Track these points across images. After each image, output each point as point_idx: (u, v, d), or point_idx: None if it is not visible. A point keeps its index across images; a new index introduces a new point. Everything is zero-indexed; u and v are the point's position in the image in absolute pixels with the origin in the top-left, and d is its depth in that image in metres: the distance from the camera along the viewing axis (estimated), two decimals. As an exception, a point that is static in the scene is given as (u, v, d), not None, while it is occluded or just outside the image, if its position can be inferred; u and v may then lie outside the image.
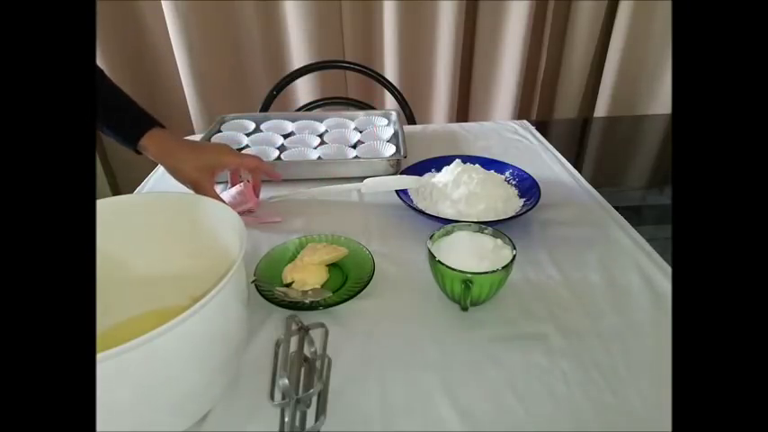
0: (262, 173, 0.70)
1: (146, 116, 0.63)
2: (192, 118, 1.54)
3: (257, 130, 0.94)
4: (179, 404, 0.37)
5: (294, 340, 0.42)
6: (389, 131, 0.91)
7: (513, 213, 0.66)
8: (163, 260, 0.47)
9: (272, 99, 1.19)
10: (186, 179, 0.63)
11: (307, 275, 0.54)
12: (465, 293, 0.48)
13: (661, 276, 0.56)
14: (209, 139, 0.87)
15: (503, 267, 0.48)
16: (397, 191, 0.70)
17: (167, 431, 0.37)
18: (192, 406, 0.39)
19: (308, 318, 0.47)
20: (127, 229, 0.46)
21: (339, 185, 0.73)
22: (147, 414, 0.35)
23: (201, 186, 0.62)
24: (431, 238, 0.53)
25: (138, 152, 0.63)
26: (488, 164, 0.76)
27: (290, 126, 0.94)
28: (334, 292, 0.53)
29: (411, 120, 1.20)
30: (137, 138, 0.61)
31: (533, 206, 0.65)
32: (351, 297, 0.52)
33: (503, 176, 0.74)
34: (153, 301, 0.47)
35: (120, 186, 1.61)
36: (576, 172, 0.82)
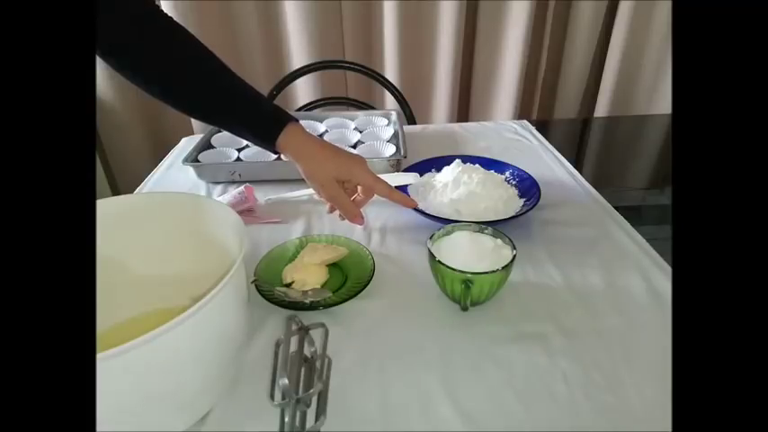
0: (392, 200, 0.62)
1: (280, 111, 0.58)
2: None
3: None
4: (179, 404, 0.37)
5: (294, 340, 0.42)
6: (389, 131, 0.91)
7: (513, 213, 0.66)
8: (163, 260, 0.47)
9: (272, 99, 1.19)
10: (320, 185, 0.59)
11: (307, 275, 0.54)
12: (465, 293, 0.48)
13: (661, 276, 0.56)
14: (209, 140, 0.87)
15: (503, 267, 0.48)
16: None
17: (167, 431, 0.37)
18: (192, 405, 0.39)
19: (308, 318, 0.47)
20: (127, 230, 0.46)
21: (339, 185, 0.73)
22: (148, 414, 0.35)
23: (335, 195, 0.59)
24: (431, 238, 0.53)
25: (275, 152, 0.59)
26: (488, 164, 0.75)
27: (290, 126, 0.94)
28: (334, 292, 0.53)
29: (411, 120, 1.20)
30: (275, 136, 0.57)
31: (533, 206, 0.65)
32: (351, 297, 0.52)
33: (503, 176, 0.74)
34: (153, 302, 0.47)
35: (120, 186, 1.61)
36: (576, 172, 0.82)
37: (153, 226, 0.47)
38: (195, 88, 0.55)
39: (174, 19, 0.55)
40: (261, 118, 0.57)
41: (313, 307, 0.51)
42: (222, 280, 0.34)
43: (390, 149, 0.84)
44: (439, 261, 0.49)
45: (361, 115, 0.99)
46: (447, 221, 0.61)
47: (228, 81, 0.56)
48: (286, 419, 0.37)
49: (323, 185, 0.59)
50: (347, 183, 0.60)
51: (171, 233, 0.47)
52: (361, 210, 0.61)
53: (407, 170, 0.76)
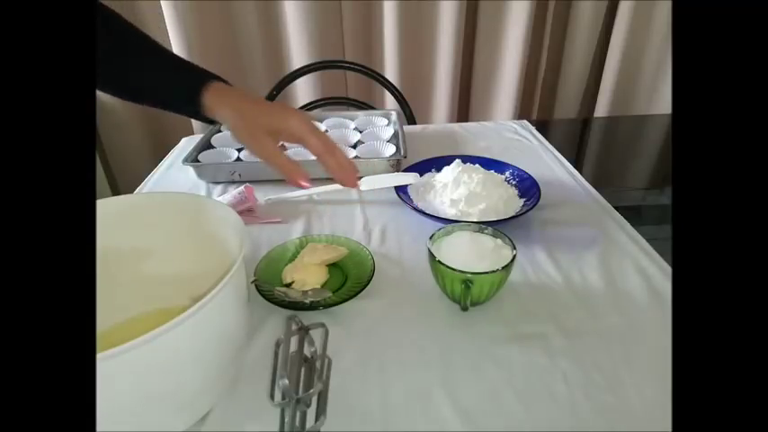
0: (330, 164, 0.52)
1: (204, 70, 0.53)
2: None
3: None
4: (179, 404, 0.37)
5: (294, 340, 0.42)
6: (389, 131, 0.91)
7: (513, 213, 0.66)
8: (163, 260, 0.47)
9: (273, 99, 1.19)
10: (252, 140, 0.50)
11: (307, 275, 0.54)
12: (465, 293, 0.48)
13: (661, 276, 0.56)
14: (209, 140, 0.87)
15: (503, 267, 0.48)
16: (397, 191, 0.70)
17: (167, 431, 0.37)
18: (192, 405, 0.39)
19: (308, 318, 0.47)
20: (127, 230, 0.46)
21: (338, 185, 0.73)
22: (148, 414, 0.35)
23: (262, 146, 0.49)
24: (431, 238, 0.53)
25: (198, 113, 0.52)
26: (488, 164, 0.75)
27: (290, 126, 0.94)
28: (334, 292, 0.53)
29: (411, 120, 1.20)
30: (199, 91, 0.51)
31: (533, 206, 0.65)
32: (351, 297, 0.52)
33: (503, 176, 0.74)
34: (153, 302, 0.47)
35: (120, 186, 1.61)
36: (576, 172, 0.82)
37: (153, 226, 0.47)
38: (118, 61, 0.52)
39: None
40: (183, 75, 0.53)
41: (313, 307, 0.51)
42: (222, 280, 0.34)
43: (390, 149, 0.84)
44: (439, 261, 0.49)
45: (361, 115, 0.99)
46: (447, 221, 0.61)
47: (147, 45, 0.53)
48: (286, 419, 0.37)
49: (255, 140, 0.50)
50: (281, 136, 0.51)
51: (171, 233, 0.47)
52: (361, 209, 0.61)
53: (407, 170, 0.76)
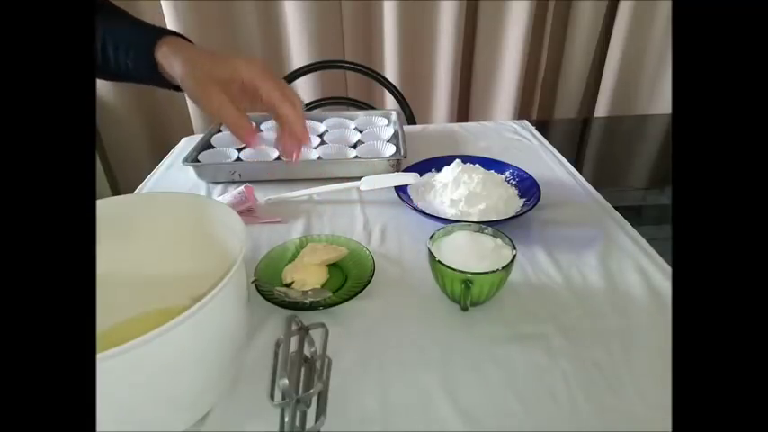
0: (285, 122, 0.48)
1: (161, 28, 0.51)
2: (192, 118, 1.54)
3: (257, 130, 0.94)
4: (179, 404, 0.37)
5: (294, 340, 0.42)
6: (389, 131, 0.91)
7: (513, 213, 0.66)
8: (162, 260, 0.47)
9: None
10: (200, 90, 0.46)
11: (307, 275, 0.54)
12: (465, 293, 0.48)
13: (661, 276, 0.56)
14: (209, 140, 0.87)
15: (503, 267, 0.48)
16: (397, 191, 0.70)
17: (167, 431, 0.37)
18: (192, 405, 0.39)
19: (308, 318, 0.47)
20: (127, 229, 0.46)
21: (338, 185, 0.73)
22: (148, 413, 0.35)
23: (209, 95, 0.45)
24: (431, 238, 0.53)
25: (154, 72, 0.49)
26: (488, 164, 0.76)
27: (290, 126, 0.94)
28: (334, 292, 0.53)
29: (411, 120, 1.20)
30: (153, 46, 0.48)
31: (533, 206, 0.65)
32: (351, 297, 0.52)
33: (503, 176, 0.74)
34: (152, 302, 0.47)
35: (120, 186, 1.61)
36: (576, 172, 0.82)
37: (153, 226, 0.47)
38: None
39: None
40: (139, 32, 0.50)
41: (313, 307, 0.51)
42: (222, 280, 0.34)
43: (390, 149, 0.84)
44: (439, 261, 0.49)
45: (361, 115, 0.99)
46: (447, 221, 0.61)
47: (105, 8, 0.52)
48: (286, 419, 0.37)
49: (204, 89, 0.46)
50: (233, 86, 0.47)
51: (171, 233, 0.47)
52: (361, 209, 0.60)
53: (407, 170, 0.76)
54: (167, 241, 0.47)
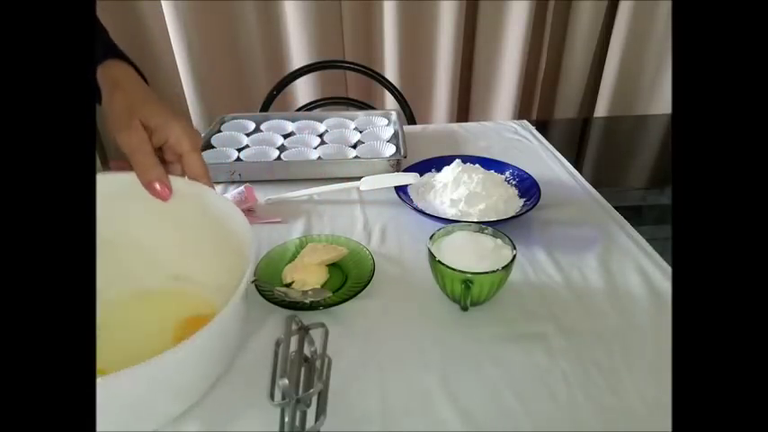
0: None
1: (118, 50, 0.49)
2: (192, 118, 1.54)
3: (257, 130, 0.94)
4: (177, 404, 0.37)
5: (294, 340, 0.42)
6: (389, 131, 0.91)
7: (513, 213, 0.66)
8: (137, 239, 0.46)
9: (272, 99, 1.19)
10: (120, 125, 0.44)
11: (307, 275, 0.54)
12: (465, 293, 0.48)
13: (661, 276, 0.56)
14: (209, 140, 0.87)
15: (503, 267, 0.48)
16: (397, 191, 0.70)
17: (164, 429, 0.37)
18: (190, 405, 0.39)
19: (308, 318, 0.47)
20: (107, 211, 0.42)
21: (338, 185, 0.73)
22: (146, 412, 0.35)
23: (136, 145, 0.44)
24: (431, 238, 0.53)
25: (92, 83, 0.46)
26: (488, 164, 0.75)
27: (290, 126, 0.94)
28: (334, 292, 0.53)
29: (411, 120, 1.20)
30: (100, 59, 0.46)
31: (533, 206, 0.65)
32: (351, 297, 0.52)
33: (503, 176, 0.74)
34: (127, 281, 0.47)
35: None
36: (576, 172, 0.82)
37: (138, 204, 0.45)
38: None
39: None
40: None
41: (313, 307, 0.51)
42: (235, 294, 0.34)
43: (390, 149, 0.84)
44: (439, 261, 0.49)
45: (361, 115, 0.99)
46: (447, 221, 0.61)
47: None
48: (286, 419, 0.37)
49: (124, 124, 0.44)
50: (155, 135, 0.45)
51: (153, 211, 0.45)
52: (361, 209, 0.60)
53: (407, 170, 0.76)
54: (141, 221, 0.46)
